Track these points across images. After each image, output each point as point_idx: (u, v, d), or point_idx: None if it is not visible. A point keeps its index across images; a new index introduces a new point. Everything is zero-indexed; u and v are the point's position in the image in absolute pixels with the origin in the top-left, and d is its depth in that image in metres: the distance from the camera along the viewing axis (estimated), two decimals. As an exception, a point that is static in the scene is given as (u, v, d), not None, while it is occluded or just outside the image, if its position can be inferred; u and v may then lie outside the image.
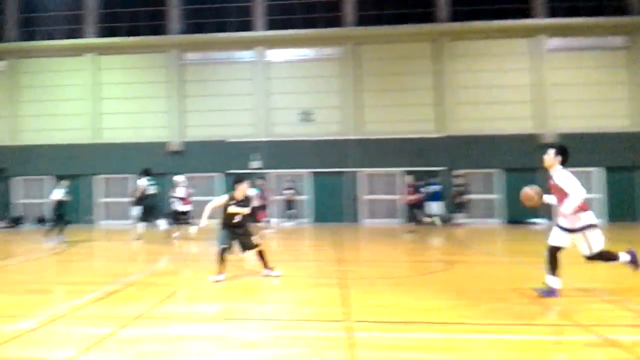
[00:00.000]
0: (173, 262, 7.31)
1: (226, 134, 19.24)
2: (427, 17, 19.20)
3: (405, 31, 19.09)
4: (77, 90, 20.34)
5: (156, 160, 18.84)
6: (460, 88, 18.91)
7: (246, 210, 7.22)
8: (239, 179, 7.36)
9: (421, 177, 16.93)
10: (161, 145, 19.30)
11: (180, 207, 13.55)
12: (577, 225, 5.47)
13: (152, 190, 12.98)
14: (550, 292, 5.62)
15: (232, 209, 7.10)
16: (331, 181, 18.79)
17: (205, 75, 19.97)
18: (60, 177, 13.90)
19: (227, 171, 18.47)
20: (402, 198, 15.07)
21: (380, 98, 19.16)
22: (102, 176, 19.74)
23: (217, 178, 18.93)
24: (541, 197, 5.85)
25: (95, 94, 20.26)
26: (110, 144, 19.71)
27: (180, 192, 13.59)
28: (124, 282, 7.03)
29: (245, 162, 18.67)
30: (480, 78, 18.91)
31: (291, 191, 18.29)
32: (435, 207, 16.88)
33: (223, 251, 7.07)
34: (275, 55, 19.77)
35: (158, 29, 20.11)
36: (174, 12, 20.06)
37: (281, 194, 18.31)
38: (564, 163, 5.62)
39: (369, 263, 9.21)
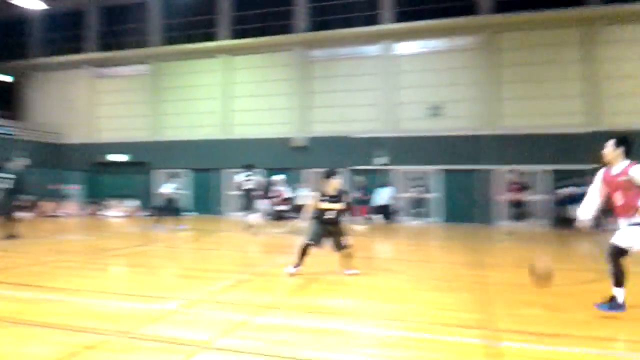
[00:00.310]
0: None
1: (351, 129, 19.23)
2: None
3: (550, 17, 17.48)
4: (210, 90, 21.86)
5: (281, 156, 19.63)
6: (615, 78, 16.86)
7: (338, 206, 6.99)
8: (328, 173, 7.16)
9: (569, 176, 15.65)
10: (287, 141, 19.91)
11: (280, 206, 13.70)
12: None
13: (248, 185, 13.36)
14: (614, 307, 4.87)
15: (323, 205, 6.96)
16: (463, 179, 17.90)
17: (330, 72, 20.24)
18: (173, 174, 15.13)
19: (351, 167, 18.62)
20: (505, 196, 13.81)
21: (519, 90, 17.80)
22: (231, 170, 21.05)
23: (341, 174, 19.06)
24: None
25: (226, 93, 21.63)
26: (239, 140, 20.82)
27: (279, 191, 13.79)
28: (253, 272, 7.27)
29: (369, 159, 18.60)
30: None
31: (419, 189, 17.85)
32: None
33: (307, 246, 6.96)
34: (403, 48, 19.37)
35: (285, 28, 20.80)
36: (301, 10, 20.64)
37: (409, 192, 17.93)
38: (627, 155, 4.91)
39: (506, 268, 8.44)
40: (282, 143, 19.94)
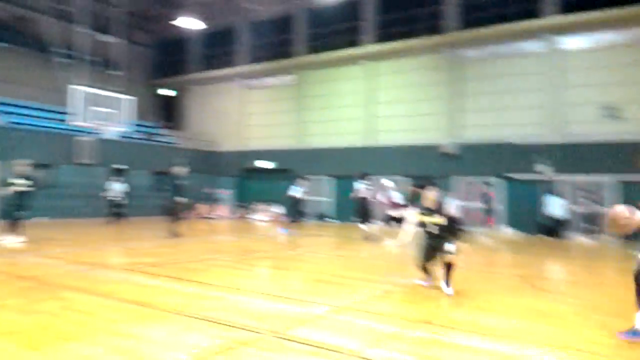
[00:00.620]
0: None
1: (507, 134, 18.13)
2: None
3: None
4: (353, 97, 22.32)
5: (429, 163, 19.16)
6: None
7: (439, 220, 6.62)
8: (422, 185, 6.92)
9: None
10: (435, 147, 19.42)
11: (391, 211, 13.49)
12: None
13: (367, 194, 13.52)
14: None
15: (422, 218, 6.81)
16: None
17: (484, 72, 19.34)
18: (302, 177, 15.73)
19: (507, 175, 17.56)
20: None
21: None
22: (375, 177, 21.10)
23: (494, 182, 18.07)
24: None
25: (369, 99, 21.86)
26: (383, 147, 20.87)
27: (389, 196, 13.56)
28: (399, 283, 7.18)
29: (529, 166, 17.29)
30: None
31: (591, 202, 16.16)
32: None
33: (418, 265, 6.90)
34: (571, 42, 17.76)
35: (433, 29, 20.34)
36: (450, 9, 20.06)
37: (578, 205, 16.38)
38: None
39: None
40: (429, 150, 19.49)
